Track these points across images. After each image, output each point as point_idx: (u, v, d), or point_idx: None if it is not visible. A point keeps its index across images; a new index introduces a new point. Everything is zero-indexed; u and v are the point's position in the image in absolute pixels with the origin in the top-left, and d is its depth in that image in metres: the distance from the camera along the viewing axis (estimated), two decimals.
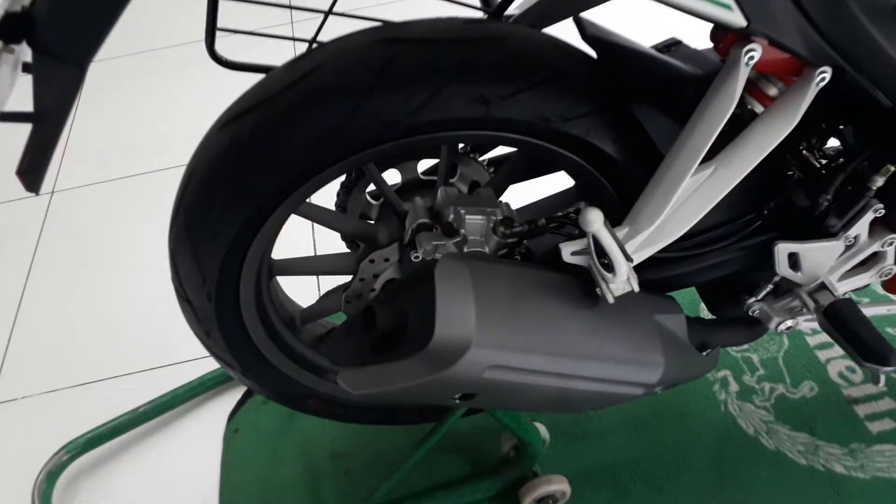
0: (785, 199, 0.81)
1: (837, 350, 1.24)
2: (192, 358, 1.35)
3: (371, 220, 0.96)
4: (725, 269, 0.85)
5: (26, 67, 0.63)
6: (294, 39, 0.77)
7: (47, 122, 0.65)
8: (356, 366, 0.68)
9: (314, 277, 1.46)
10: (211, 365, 1.32)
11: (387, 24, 0.73)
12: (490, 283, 0.68)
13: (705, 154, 0.69)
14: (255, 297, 0.87)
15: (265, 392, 0.97)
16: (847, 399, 1.18)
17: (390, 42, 0.70)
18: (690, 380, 0.82)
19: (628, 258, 0.65)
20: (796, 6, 0.61)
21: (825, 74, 0.66)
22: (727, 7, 0.60)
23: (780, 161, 0.81)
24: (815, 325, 0.85)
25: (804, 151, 0.81)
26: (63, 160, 1.88)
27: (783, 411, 1.18)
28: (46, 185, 1.77)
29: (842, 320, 0.79)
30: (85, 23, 0.60)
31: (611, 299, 0.67)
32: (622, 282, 0.67)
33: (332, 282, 1.38)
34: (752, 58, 0.64)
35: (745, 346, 1.28)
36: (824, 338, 1.27)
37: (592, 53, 0.77)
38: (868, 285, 0.91)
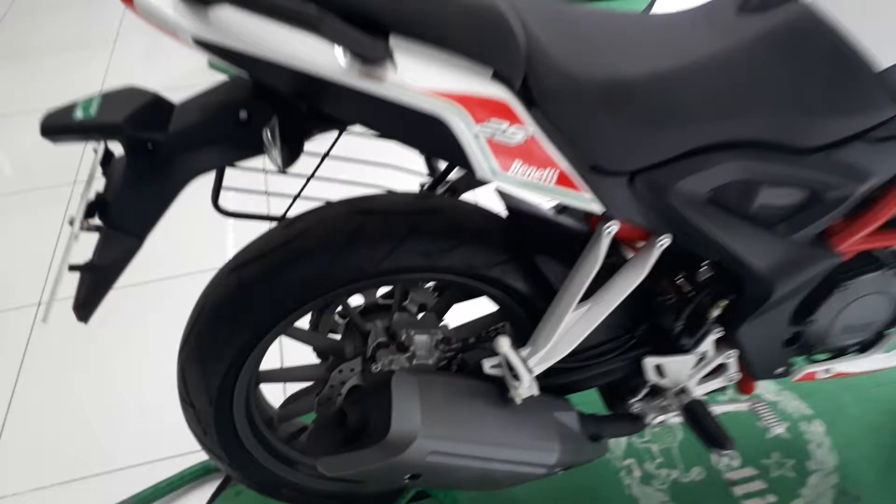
0: (652, 323, 1.09)
1: None
2: (170, 455, 1.53)
3: (338, 336, 1.20)
4: (612, 376, 1.12)
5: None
6: (270, 219, 1.03)
7: (104, 275, 0.88)
8: (332, 454, 0.91)
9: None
10: (187, 461, 1.50)
11: (358, 198, 1.00)
12: (432, 390, 0.92)
13: (585, 294, 0.96)
14: (245, 402, 1.09)
15: (247, 482, 1.17)
16: (727, 481, 1.44)
17: (360, 212, 0.97)
18: (584, 462, 1.07)
19: (529, 371, 0.90)
20: (636, 199, 0.91)
21: (665, 241, 0.95)
22: (590, 201, 0.88)
23: (651, 294, 1.09)
24: (680, 419, 1.12)
25: (672, 284, 1.09)
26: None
27: (677, 493, 1.42)
28: (36, 294, 1.95)
29: (694, 416, 1.06)
30: (146, 206, 0.85)
31: (518, 401, 0.93)
32: (526, 388, 0.92)
33: (295, 386, 1.59)
34: (610, 231, 0.93)
35: (648, 437, 1.53)
36: None
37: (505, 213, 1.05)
38: (724, 388, 1.19)
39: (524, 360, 0.92)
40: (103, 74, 3.06)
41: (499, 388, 0.97)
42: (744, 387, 1.21)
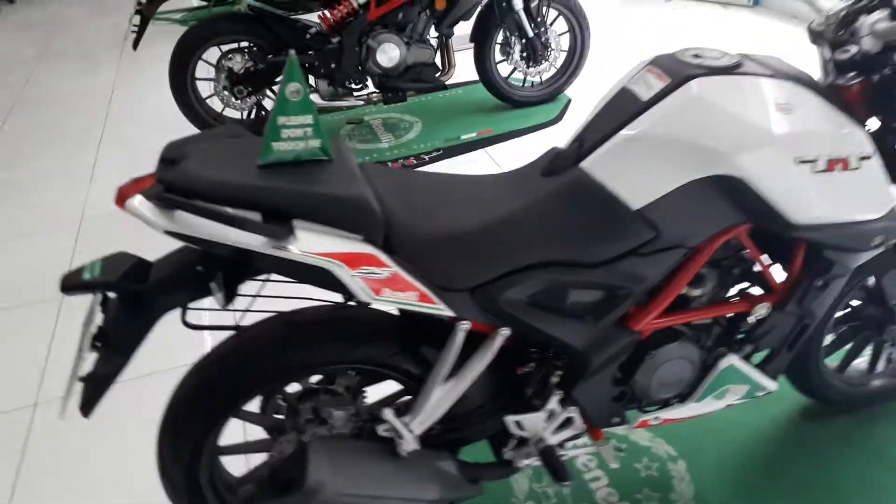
0: (512, 390, 1.47)
1: (602, 481, 1.86)
2: None
3: (281, 416, 1.56)
4: (490, 431, 1.49)
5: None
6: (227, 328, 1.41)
7: (102, 382, 1.24)
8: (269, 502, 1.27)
9: None
10: None
11: (290, 312, 1.38)
12: (339, 451, 1.29)
13: (453, 372, 1.34)
14: (209, 471, 1.44)
15: None
16: None
17: (287, 324, 1.35)
18: (465, 499, 1.42)
19: (410, 432, 1.28)
20: (476, 306, 1.29)
21: (505, 332, 1.34)
22: (443, 310, 1.27)
23: (510, 368, 1.47)
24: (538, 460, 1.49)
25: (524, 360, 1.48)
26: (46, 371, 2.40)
27: None
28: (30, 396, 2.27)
29: (546, 459, 1.43)
30: (133, 334, 1.22)
31: (403, 454, 1.30)
32: (409, 445, 1.30)
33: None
34: (463, 328, 1.31)
35: (545, 482, 1.88)
36: (596, 472, 1.89)
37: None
38: (579, 435, 1.56)
39: (406, 425, 1.31)
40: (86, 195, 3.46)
41: (391, 447, 1.34)
42: (593, 434, 1.58)
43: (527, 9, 3.65)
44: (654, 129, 1.27)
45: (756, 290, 1.54)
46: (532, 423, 1.46)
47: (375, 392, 1.53)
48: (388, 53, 3.47)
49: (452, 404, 1.35)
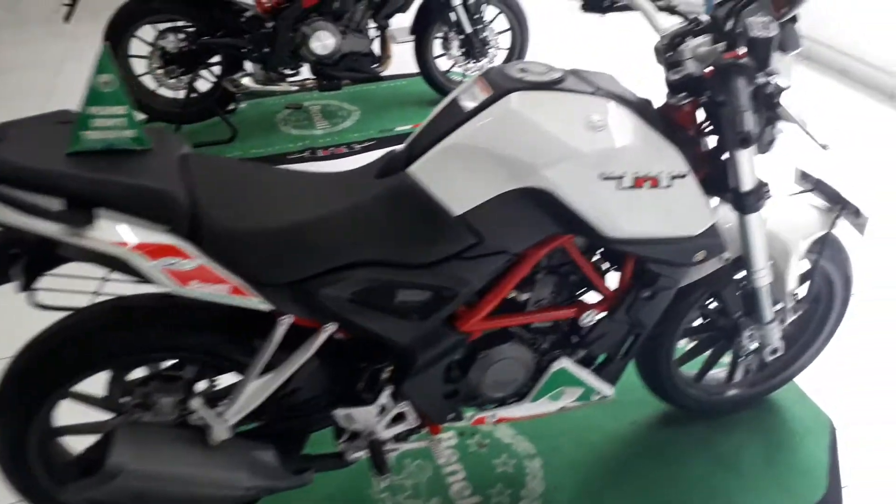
0: (346, 382, 1.51)
1: (459, 475, 1.91)
2: None
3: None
4: (321, 424, 1.53)
5: None
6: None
7: None
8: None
9: None
10: None
11: (120, 297, 1.41)
12: (146, 437, 1.34)
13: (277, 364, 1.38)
14: (43, 452, 1.46)
15: None
16: None
17: (118, 308, 1.38)
18: (286, 489, 1.47)
19: (223, 420, 1.32)
20: (295, 301, 1.33)
21: (331, 328, 1.38)
22: (259, 304, 1.31)
23: (347, 362, 1.51)
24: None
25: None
26: None
27: None
28: None
29: (372, 451, 1.48)
30: None
31: (212, 443, 1.34)
32: (220, 433, 1.34)
33: None
34: (284, 322, 1.34)
35: (404, 475, 1.92)
36: (455, 466, 1.94)
37: None
38: (416, 429, 1.60)
39: (220, 414, 1.35)
40: None
41: (202, 433, 1.38)
42: (432, 429, 1.62)
43: (465, 4, 3.67)
44: (471, 139, 1.30)
45: (594, 297, 1.59)
46: (363, 416, 1.50)
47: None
48: (323, 41, 3.48)
49: (271, 395, 1.39)
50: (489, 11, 3.82)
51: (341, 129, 3.81)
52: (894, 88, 4.03)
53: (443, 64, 3.91)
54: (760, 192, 1.50)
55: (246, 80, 3.59)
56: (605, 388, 1.66)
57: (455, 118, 1.33)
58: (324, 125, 3.86)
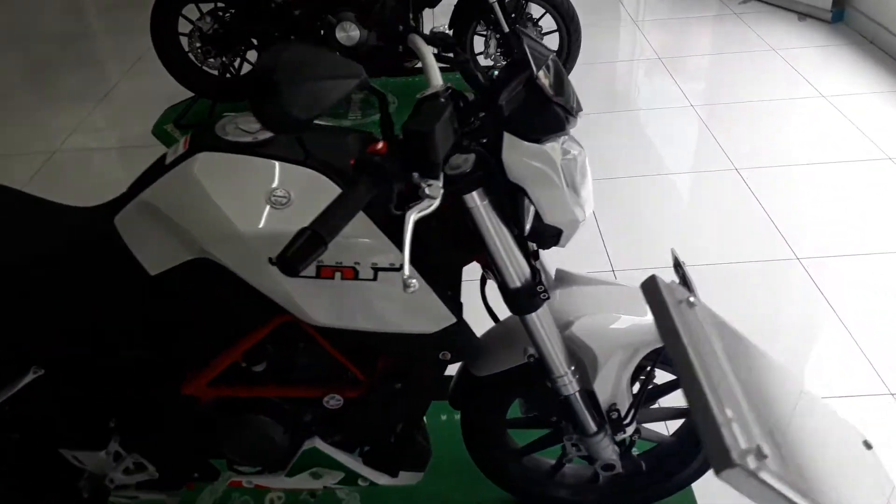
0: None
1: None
2: None
3: None
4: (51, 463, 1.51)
5: None
6: None
7: None
8: None
9: None
10: None
11: None
12: None
13: None
14: None
15: None
16: None
17: None
18: None
19: None
20: None
21: (38, 372, 1.34)
22: None
23: None
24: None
25: None
26: None
27: None
28: None
29: (94, 493, 1.44)
30: None
31: None
32: None
33: None
34: None
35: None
36: None
37: None
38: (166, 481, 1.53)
39: None
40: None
41: None
42: (187, 484, 1.55)
43: (501, 2, 3.41)
44: (155, 199, 1.18)
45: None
46: (91, 460, 1.46)
47: None
48: (348, 32, 3.40)
49: None
50: (536, 11, 3.53)
51: (370, 122, 3.74)
52: None
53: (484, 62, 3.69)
54: (531, 290, 1.24)
55: None
56: (376, 476, 1.49)
57: (156, 172, 1.22)
58: (356, 115, 3.81)
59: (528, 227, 1.16)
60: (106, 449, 1.45)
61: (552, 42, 3.70)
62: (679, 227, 2.79)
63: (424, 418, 1.57)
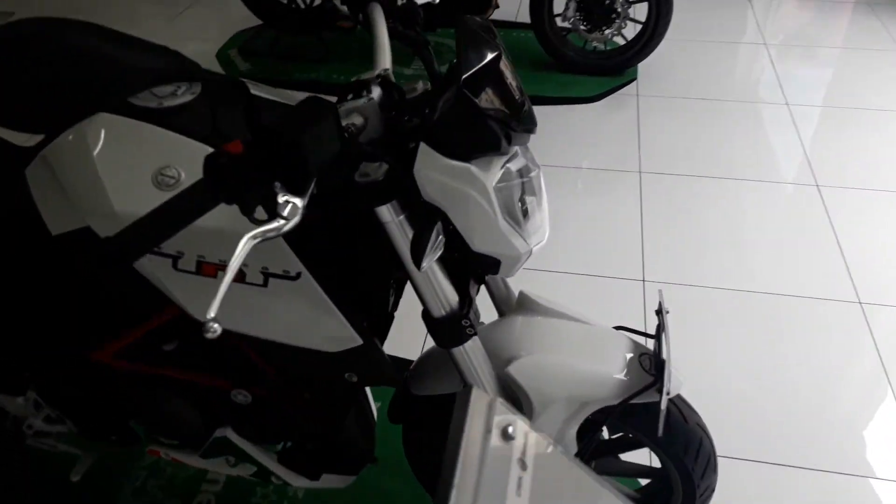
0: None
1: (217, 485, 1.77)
2: None
3: None
4: None
5: None
6: None
7: None
8: None
9: None
10: None
11: None
12: None
13: None
14: None
15: None
16: None
17: None
18: None
19: None
20: None
21: None
22: None
23: None
24: None
25: None
26: None
27: None
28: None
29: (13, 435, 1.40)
30: None
31: None
32: None
33: None
34: None
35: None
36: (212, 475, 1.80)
37: None
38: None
39: None
40: None
41: None
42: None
43: None
44: (52, 156, 1.05)
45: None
46: (10, 404, 1.41)
47: None
48: None
49: None
50: None
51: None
52: None
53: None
54: (455, 324, 1.07)
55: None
56: (292, 477, 1.38)
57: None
58: (418, 66, 3.62)
59: (432, 256, 0.97)
60: (24, 396, 1.41)
61: (640, 12, 3.36)
62: (731, 242, 2.49)
63: (374, 416, 1.45)
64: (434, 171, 0.92)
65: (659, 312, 1.23)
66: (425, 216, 0.96)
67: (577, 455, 1.24)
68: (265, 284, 1.02)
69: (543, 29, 3.38)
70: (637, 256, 2.42)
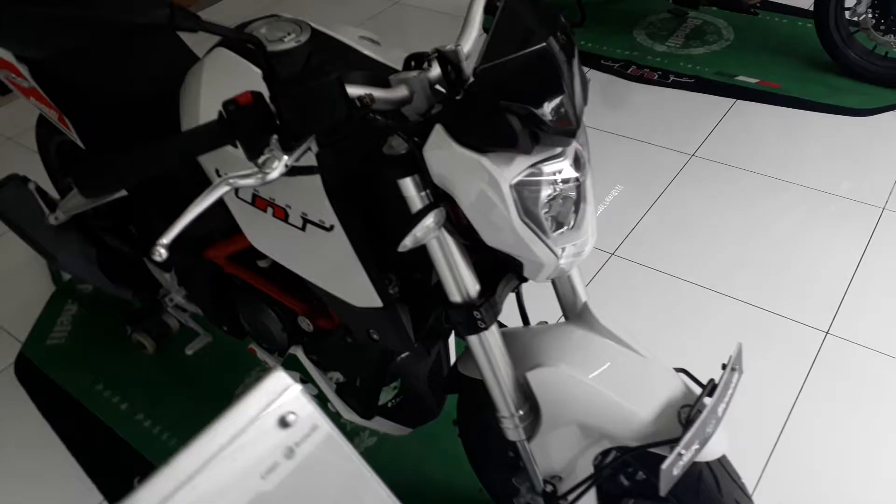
0: None
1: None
2: None
3: None
4: None
5: None
6: None
7: None
8: None
9: None
10: None
11: None
12: None
13: None
14: None
15: None
16: None
17: None
18: None
19: None
20: None
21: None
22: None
23: None
24: None
25: None
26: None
27: None
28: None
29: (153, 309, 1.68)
30: None
31: None
32: None
33: None
34: None
35: None
36: None
37: None
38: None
39: None
40: None
41: None
42: None
43: None
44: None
45: None
46: (162, 277, 1.69)
47: None
48: None
49: None
50: None
51: (683, 55, 3.28)
52: None
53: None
54: (467, 311, 1.04)
55: None
56: (343, 408, 1.47)
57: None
58: (675, 44, 3.36)
59: (430, 237, 0.95)
60: (171, 273, 1.67)
61: None
62: (770, 262, 2.00)
63: None
64: (443, 155, 0.89)
65: (724, 367, 1.07)
66: (435, 197, 0.94)
67: (580, 483, 1.15)
68: (303, 229, 1.08)
69: (827, 21, 2.91)
70: (832, 304, 2.06)
